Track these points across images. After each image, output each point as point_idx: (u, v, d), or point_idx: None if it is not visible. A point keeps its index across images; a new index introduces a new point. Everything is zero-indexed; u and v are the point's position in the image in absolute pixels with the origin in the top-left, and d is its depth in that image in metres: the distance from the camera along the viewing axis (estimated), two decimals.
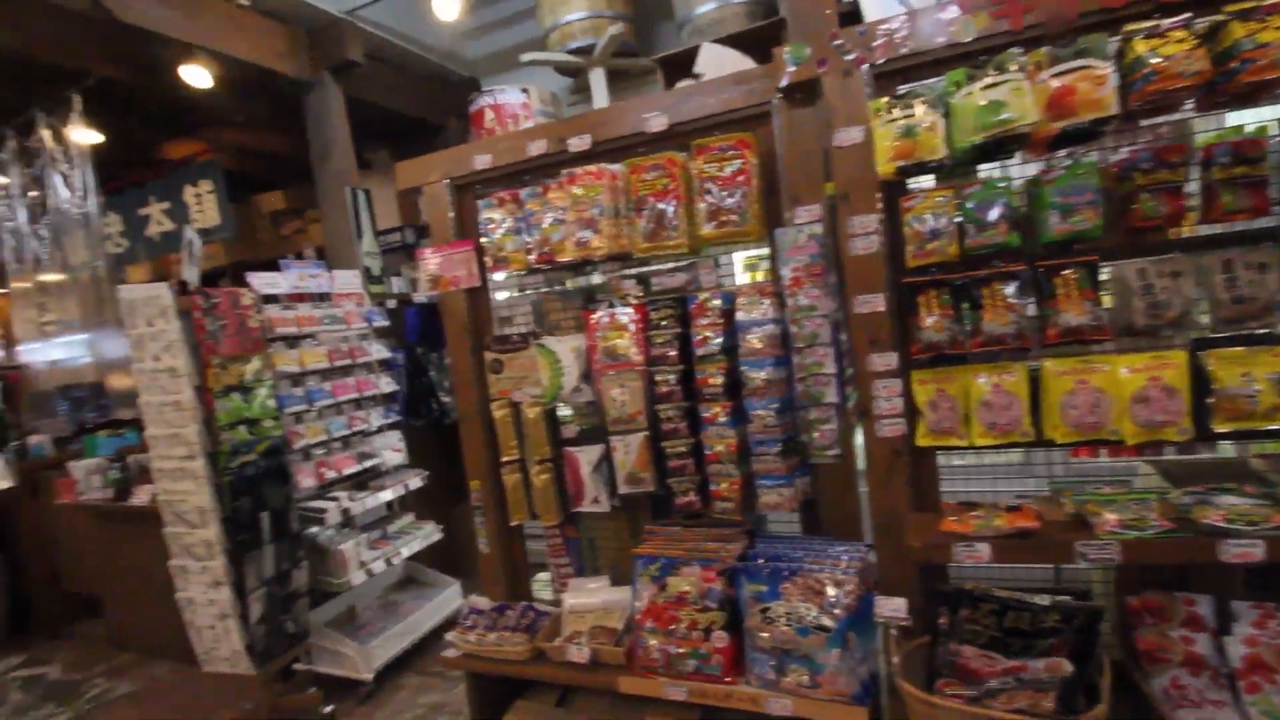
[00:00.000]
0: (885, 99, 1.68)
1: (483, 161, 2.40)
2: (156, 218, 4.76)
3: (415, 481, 3.65)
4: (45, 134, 3.78)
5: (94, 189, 3.94)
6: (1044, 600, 1.61)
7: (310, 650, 3.17)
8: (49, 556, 4.39)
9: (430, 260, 2.53)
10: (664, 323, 2.07)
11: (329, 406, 3.36)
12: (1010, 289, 1.64)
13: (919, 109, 1.62)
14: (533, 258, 2.31)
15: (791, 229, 1.93)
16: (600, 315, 2.17)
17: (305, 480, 3.12)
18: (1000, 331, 1.63)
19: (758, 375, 1.92)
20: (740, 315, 1.97)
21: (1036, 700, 1.44)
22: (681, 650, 1.97)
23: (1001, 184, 1.64)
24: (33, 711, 3.45)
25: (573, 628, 2.27)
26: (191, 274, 2.76)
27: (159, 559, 3.66)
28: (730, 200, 1.95)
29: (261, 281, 3.11)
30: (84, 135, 3.86)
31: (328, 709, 2.97)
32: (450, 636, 2.35)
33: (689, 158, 2.04)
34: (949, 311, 1.71)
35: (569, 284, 2.51)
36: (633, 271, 2.28)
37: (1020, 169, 1.81)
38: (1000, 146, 1.59)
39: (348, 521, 3.33)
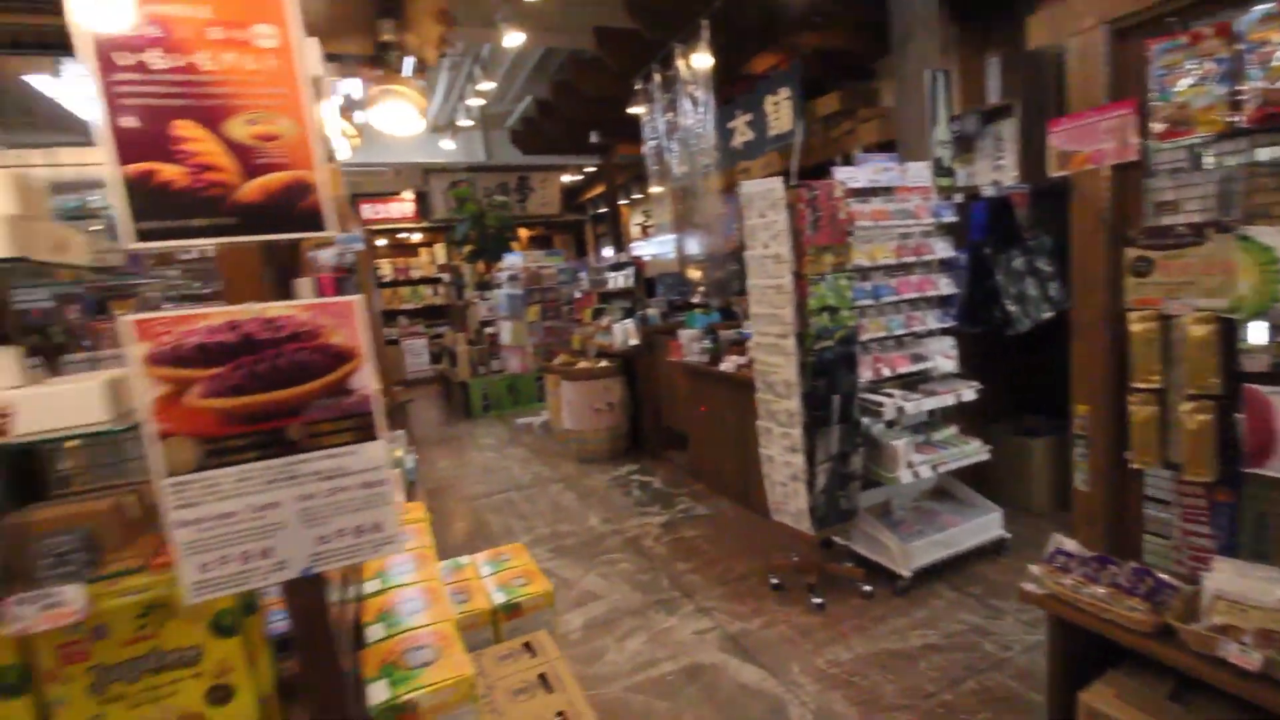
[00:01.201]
0: None
1: None
2: (740, 129, 5.44)
3: (968, 393, 3.38)
4: (680, 63, 4.66)
5: (711, 108, 4.70)
6: None
7: (850, 530, 3.39)
8: (654, 398, 5.88)
9: (1063, 132, 2.08)
10: None
11: (890, 303, 3.34)
12: None
13: None
14: (1242, 115, 1.65)
15: None
16: None
17: (863, 373, 3.21)
18: None
19: None
20: None
21: None
22: None
23: None
24: (646, 506, 4.73)
25: (1223, 618, 1.72)
26: (794, 169, 2.98)
27: (733, 416, 4.46)
28: None
29: (844, 175, 3.18)
30: (703, 60, 4.59)
31: (867, 588, 3.15)
32: (1036, 571, 2.09)
33: None
34: None
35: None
36: None
37: None
38: None
39: (895, 420, 3.33)
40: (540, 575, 1.98)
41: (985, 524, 3.43)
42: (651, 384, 5.87)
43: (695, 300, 7.18)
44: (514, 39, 4.93)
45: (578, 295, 8.06)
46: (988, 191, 3.83)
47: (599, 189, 11.59)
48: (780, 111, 4.96)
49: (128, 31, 0.85)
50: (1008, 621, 2.88)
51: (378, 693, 1.15)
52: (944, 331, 3.55)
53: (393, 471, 3.00)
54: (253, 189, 0.93)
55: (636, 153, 8.05)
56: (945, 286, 3.51)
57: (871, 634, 2.87)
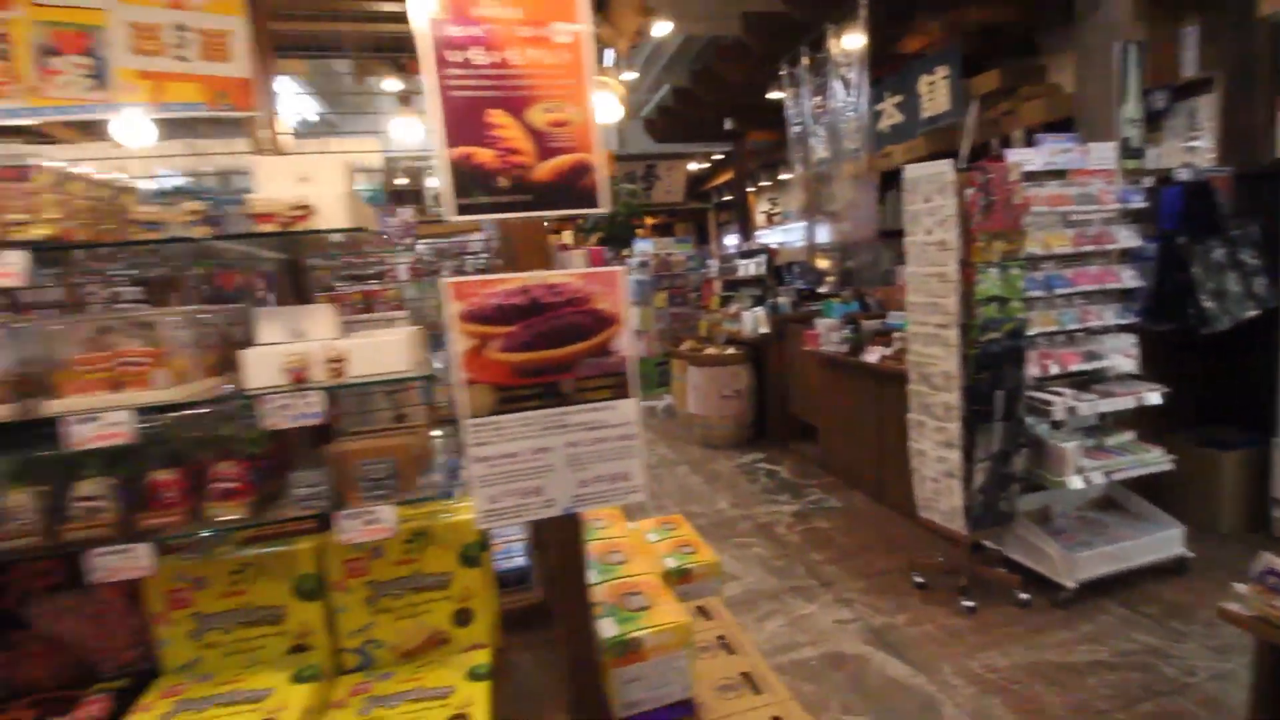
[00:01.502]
0: None
1: None
2: (888, 112, 5.24)
3: (1152, 397, 3.10)
4: (831, 44, 4.54)
5: (864, 90, 4.56)
6: None
7: (1002, 535, 3.22)
8: (783, 387, 5.83)
9: None
10: None
11: (1064, 296, 3.12)
12: None
13: None
14: None
15: None
16: None
17: (1029, 368, 3.03)
18: None
19: None
20: None
21: None
22: None
23: None
24: (774, 494, 4.72)
25: None
26: (964, 152, 2.85)
27: (871, 408, 4.35)
28: None
29: (1019, 156, 3.00)
30: (857, 40, 4.46)
31: (1024, 595, 2.99)
32: (1242, 591, 1.92)
33: None
34: None
35: None
36: None
37: None
38: None
39: (1063, 421, 3.12)
40: (705, 545, 2.06)
41: (1163, 540, 3.15)
42: (780, 373, 5.82)
43: (824, 290, 7.01)
44: (662, 28, 5.02)
45: (705, 282, 8.11)
46: (1180, 175, 3.47)
47: (723, 177, 11.54)
48: (936, 92, 4.72)
49: (458, 32, 1.00)
50: (1191, 645, 2.65)
51: (606, 628, 1.27)
52: (1123, 328, 3.27)
53: None
54: (545, 169, 1.06)
55: (770, 139, 7.94)
56: (1129, 279, 3.23)
57: (1030, 644, 2.74)
